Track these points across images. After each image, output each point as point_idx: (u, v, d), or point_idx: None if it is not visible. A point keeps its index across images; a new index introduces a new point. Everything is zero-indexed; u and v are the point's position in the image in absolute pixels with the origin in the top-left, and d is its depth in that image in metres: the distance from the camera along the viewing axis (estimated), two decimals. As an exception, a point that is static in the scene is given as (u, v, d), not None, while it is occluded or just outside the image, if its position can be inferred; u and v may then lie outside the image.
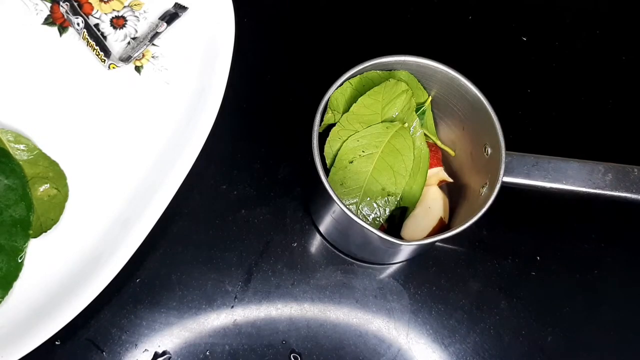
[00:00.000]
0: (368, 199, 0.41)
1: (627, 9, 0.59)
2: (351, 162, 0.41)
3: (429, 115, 0.45)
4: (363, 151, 0.41)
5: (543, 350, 0.47)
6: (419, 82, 0.43)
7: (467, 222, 0.38)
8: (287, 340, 0.46)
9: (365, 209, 0.41)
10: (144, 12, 0.51)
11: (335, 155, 0.42)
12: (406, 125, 0.42)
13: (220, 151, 0.49)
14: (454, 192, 0.45)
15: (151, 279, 0.46)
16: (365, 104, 0.41)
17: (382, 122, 0.42)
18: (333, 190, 0.38)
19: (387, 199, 0.41)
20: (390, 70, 0.42)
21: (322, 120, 0.41)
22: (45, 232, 0.44)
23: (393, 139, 0.42)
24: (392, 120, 0.42)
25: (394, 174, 0.42)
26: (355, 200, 0.41)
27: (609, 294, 0.49)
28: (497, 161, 0.39)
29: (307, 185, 0.49)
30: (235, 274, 0.47)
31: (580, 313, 0.48)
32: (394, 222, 0.43)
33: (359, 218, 0.38)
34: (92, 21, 0.50)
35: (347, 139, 0.42)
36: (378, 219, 0.41)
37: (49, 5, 0.50)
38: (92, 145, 0.47)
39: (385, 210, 0.41)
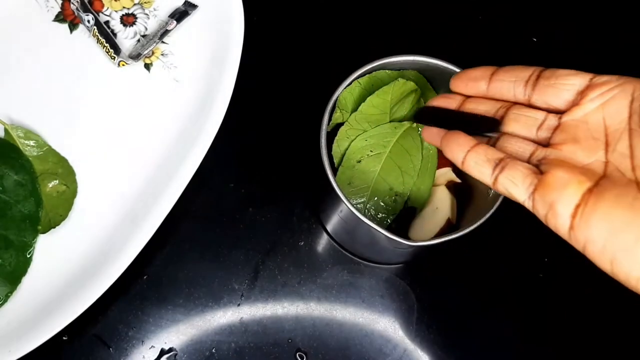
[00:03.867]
0: (375, 198, 0.41)
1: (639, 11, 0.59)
2: (359, 161, 0.41)
3: (437, 116, 0.44)
4: (371, 151, 0.41)
5: (552, 352, 0.47)
6: (428, 82, 0.43)
7: (474, 223, 0.38)
8: (293, 338, 0.46)
9: (373, 208, 0.41)
10: (154, 9, 0.51)
11: (344, 155, 0.42)
12: (414, 125, 0.42)
13: (228, 149, 0.50)
14: (462, 192, 0.45)
15: (158, 276, 0.46)
16: (374, 103, 0.41)
17: (390, 121, 0.42)
18: (340, 190, 0.38)
19: (395, 198, 0.41)
20: (400, 69, 0.42)
21: (330, 119, 0.41)
22: (54, 227, 0.45)
23: (401, 139, 0.42)
24: (401, 120, 0.42)
25: (402, 173, 0.41)
26: (362, 200, 0.41)
27: (615, 294, 0.49)
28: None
29: (315, 184, 0.49)
30: (242, 272, 0.47)
31: (589, 314, 0.48)
32: (402, 222, 0.43)
33: (366, 217, 0.38)
34: (103, 18, 0.51)
35: (355, 138, 0.41)
36: (385, 219, 0.41)
37: (60, 2, 0.50)
38: (101, 142, 0.47)
39: (393, 210, 0.41)
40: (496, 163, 0.29)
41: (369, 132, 0.42)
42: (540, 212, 0.28)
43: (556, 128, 0.30)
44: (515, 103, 0.32)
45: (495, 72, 0.32)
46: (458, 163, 0.30)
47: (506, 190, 0.29)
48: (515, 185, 0.28)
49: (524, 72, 0.31)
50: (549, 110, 0.31)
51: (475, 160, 0.29)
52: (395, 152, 0.41)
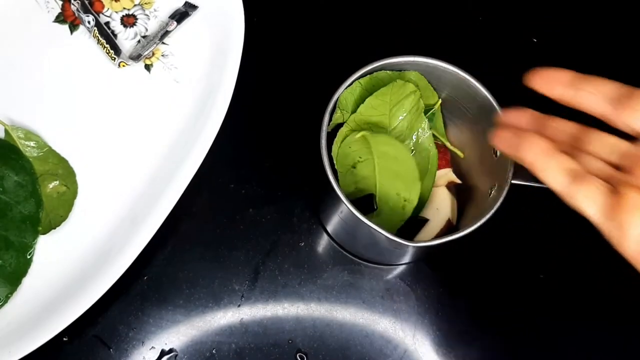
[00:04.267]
0: (385, 202, 0.41)
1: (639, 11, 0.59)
2: (354, 167, 0.41)
3: (438, 116, 0.44)
4: (360, 157, 0.41)
5: (552, 353, 0.47)
6: (429, 82, 0.43)
7: (475, 223, 0.38)
8: (293, 339, 0.46)
9: (383, 213, 0.41)
10: (155, 10, 0.51)
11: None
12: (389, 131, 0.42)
13: (228, 150, 0.50)
14: (463, 193, 0.45)
15: (159, 276, 0.46)
16: (373, 105, 0.41)
17: (360, 130, 0.41)
18: (341, 190, 0.38)
19: (404, 204, 0.41)
20: (400, 70, 0.42)
21: (330, 119, 0.41)
22: (54, 228, 0.45)
23: (378, 146, 0.41)
24: (396, 125, 0.42)
25: (403, 180, 0.41)
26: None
27: (620, 295, 0.49)
28: (506, 162, 0.39)
29: (315, 184, 0.49)
30: (242, 273, 0.47)
31: (589, 314, 0.48)
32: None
33: (367, 218, 0.38)
34: (103, 19, 0.51)
35: (340, 145, 0.41)
36: (395, 225, 0.41)
37: (60, 3, 0.50)
38: (101, 143, 0.47)
39: (401, 215, 0.41)
40: (573, 174, 0.29)
41: (346, 140, 0.41)
42: (609, 231, 0.28)
43: (631, 154, 0.30)
44: (593, 125, 0.32)
45: (579, 81, 0.31)
46: (533, 166, 0.30)
47: (577, 204, 0.28)
48: (588, 199, 0.28)
49: (609, 88, 0.31)
50: (630, 134, 0.30)
51: (552, 166, 0.29)
52: (384, 158, 0.41)
